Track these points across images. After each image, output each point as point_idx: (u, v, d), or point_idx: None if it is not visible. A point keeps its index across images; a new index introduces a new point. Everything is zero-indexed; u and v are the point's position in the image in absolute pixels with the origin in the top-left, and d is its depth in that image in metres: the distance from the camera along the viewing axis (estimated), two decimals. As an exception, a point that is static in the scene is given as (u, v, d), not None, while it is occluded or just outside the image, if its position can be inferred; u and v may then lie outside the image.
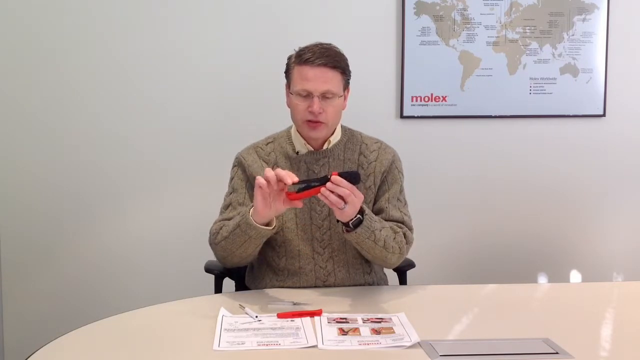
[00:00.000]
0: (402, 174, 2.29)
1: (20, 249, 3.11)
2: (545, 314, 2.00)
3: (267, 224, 2.04)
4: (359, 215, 2.01)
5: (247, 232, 2.03)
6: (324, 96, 2.11)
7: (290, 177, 1.94)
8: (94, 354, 1.69)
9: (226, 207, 2.23)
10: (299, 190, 1.99)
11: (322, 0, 3.14)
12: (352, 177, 1.96)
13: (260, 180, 1.95)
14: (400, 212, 2.23)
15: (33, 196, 3.09)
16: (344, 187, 1.92)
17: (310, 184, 1.99)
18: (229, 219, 2.15)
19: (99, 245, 3.14)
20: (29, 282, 3.12)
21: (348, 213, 1.97)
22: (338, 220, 2.03)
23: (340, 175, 1.94)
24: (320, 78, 2.10)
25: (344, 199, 1.93)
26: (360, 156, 2.24)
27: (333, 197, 1.92)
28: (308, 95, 2.11)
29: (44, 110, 3.07)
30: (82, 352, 1.69)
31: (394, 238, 2.13)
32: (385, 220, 2.18)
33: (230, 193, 2.25)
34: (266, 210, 1.98)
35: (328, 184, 1.92)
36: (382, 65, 3.18)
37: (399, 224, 2.20)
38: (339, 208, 1.94)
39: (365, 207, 2.06)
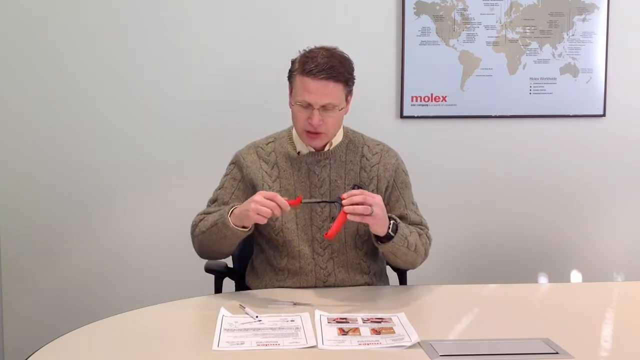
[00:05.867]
0: (408, 175, 2.32)
1: (20, 249, 3.10)
2: (545, 314, 2.00)
3: (244, 226, 2.05)
4: (392, 220, 2.07)
5: (223, 231, 2.06)
6: (325, 108, 2.10)
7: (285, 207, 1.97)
8: (94, 354, 1.69)
9: (212, 201, 2.25)
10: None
11: (322, 0, 3.14)
12: (357, 188, 2.02)
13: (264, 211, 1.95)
14: (418, 215, 2.29)
15: (33, 196, 3.09)
16: (356, 194, 1.97)
17: (320, 203, 2.11)
18: (211, 213, 2.18)
19: (99, 245, 3.14)
20: (29, 282, 3.12)
21: (380, 216, 2.00)
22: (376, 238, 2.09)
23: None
24: (321, 91, 2.08)
25: (364, 203, 1.96)
26: (363, 158, 2.25)
27: (359, 207, 1.95)
28: (308, 107, 2.11)
29: (44, 110, 3.07)
30: (82, 352, 1.69)
31: (421, 240, 2.20)
32: None
33: (219, 188, 2.26)
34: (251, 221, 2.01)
35: (345, 199, 1.96)
36: (382, 65, 3.18)
37: (420, 227, 2.26)
38: (369, 214, 1.97)
39: (391, 215, 2.11)
